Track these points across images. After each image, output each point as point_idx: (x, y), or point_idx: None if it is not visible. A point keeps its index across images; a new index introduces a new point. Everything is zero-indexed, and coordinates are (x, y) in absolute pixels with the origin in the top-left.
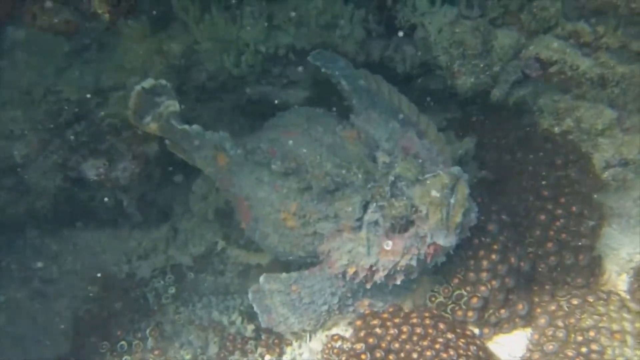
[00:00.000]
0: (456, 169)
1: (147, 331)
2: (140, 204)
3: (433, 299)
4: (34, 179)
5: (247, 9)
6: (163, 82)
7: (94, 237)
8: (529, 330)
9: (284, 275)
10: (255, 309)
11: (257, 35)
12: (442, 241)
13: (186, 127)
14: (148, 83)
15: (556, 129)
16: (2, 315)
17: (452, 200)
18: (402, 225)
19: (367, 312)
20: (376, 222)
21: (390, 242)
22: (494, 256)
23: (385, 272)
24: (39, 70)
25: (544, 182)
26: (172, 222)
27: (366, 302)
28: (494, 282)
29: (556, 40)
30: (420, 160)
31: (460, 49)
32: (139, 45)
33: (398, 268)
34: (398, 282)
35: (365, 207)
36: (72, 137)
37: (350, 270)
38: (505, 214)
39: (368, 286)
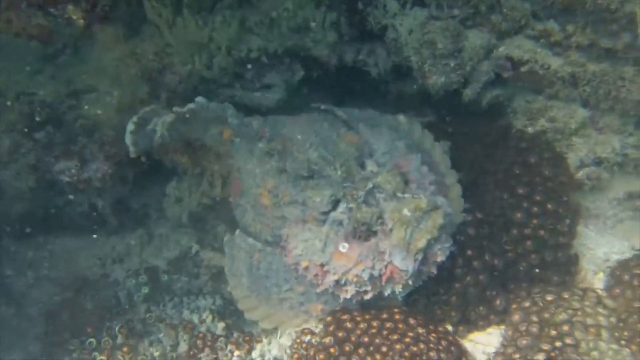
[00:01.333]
0: (441, 200)
1: (117, 329)
2: (116, 209)
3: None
4: (8, 181)
5: (219, 12)
6: (147, 109)
7: (70, 244)
8: (503, 328)
9: (252, 241)
10: (225, 252)
11: (229, 38)
12: (398, 262)
13: (190, 105)
14: (133, 122)
15: (530, 129)
16: None
17: (422, 225)
18: (364, 232)
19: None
20: (340, 222)
21: (347, 245)
22: (469, 252)
23: (336, 277)
24: (12, 73)
25: (518, 181)
26: (147, 228)
27: (319, 306)
28: (468, 278)
29: (527, 40)
30: (406, 181)
31: (430, 49)
32: (113, 49)
33: (349, 277)
34: (348, 296)
35: (335, 204)
36: (44, 139)
37: (303, 263)
38: (479, 212)
39: (318, 290)
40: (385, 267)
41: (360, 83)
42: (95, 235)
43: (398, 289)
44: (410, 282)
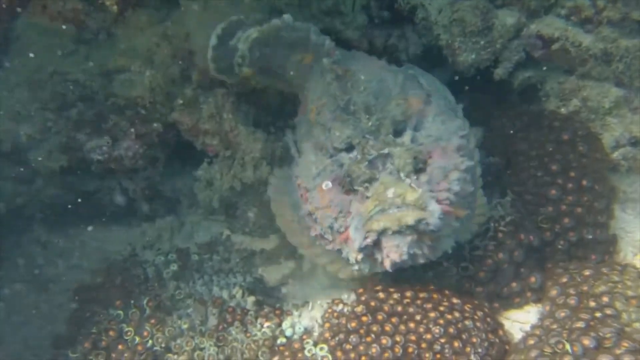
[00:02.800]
0: (434, 208)
1: (145, 302)
2: (146, 195)
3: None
4: (40, 161)
5: None
6: (233, 18)
7: (101, 233)
8: (540, 307)
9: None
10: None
11: (258, 19)
12: (351, 229)
13: (276, 21)
14: (217, 34)
15: (563, 110)
16: (5, 306)
17: (392, 211)
18: (347, 185)
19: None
20: (341, 165)
21: (330, 185)
22: (502, 229)
23: (309, 208)
24: (47, 53)
25: (551, 158)
26: (178, 215)
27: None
28: (500, 255)
29: (557, 19)
30: (421, 169)
31: (460, 26)
32: (145, 32)
33: (318, 214)
34: (312, 234)
35: (349, 147)
36: (76, 116)
37: (298, 180)
38: (512, 191)
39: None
40: (345, 228)
41: None
42: (125, 224)
43: (352, 257)
44: (359, 258)
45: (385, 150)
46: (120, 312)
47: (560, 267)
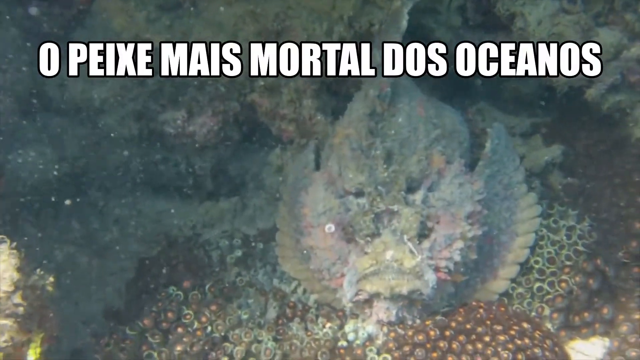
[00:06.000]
0: (429, 278)
1: (207, 286)
2: (213, 172)
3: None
4: (111, 126)
5: None
6: None
7: (160, 205)
8: (607, 340)
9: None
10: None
11: (351, 8)
12: (345, 282)
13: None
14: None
15: None
16: (56, 268)
17: (387, 277)
18: (350, 233)
19: None
20: (348, 209)
21: (332, 229)
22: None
23: (309, 243)
24: (131, 16)
25: (638, 189)
26: (242, 196)
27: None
28: (577, 278)
29: None
30: (425, 235)
31: (558, 41)
32: (233, 6)
33: (316, 252)
34: (310, 267)
35: (359, 193)
36: (154, 86)
37: (304, 209)
38: (592, 218)
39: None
40: (341, 275)
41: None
42: (187, 199)
43: (344, 301)
44: (349, 306)
45: (395, 207)
46: (181, 292)
47: (635, 302)
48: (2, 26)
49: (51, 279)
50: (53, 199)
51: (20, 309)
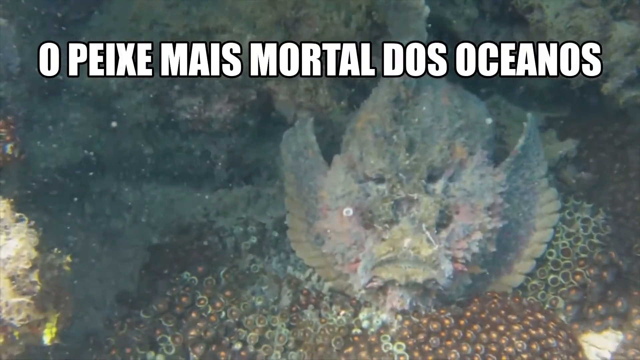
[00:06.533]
0: (445, 267)
1: (222, 273)
2: (227, 161)
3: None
4: (127, 112)
5: None
6: None
7: (174, 193)
8: (620, 333)
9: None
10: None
11: None
12: (360, 266)
13: None
14: None
15: None
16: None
17: (403, 264)
18: (368, 218)
19: None
20: (367, 194)
21: (351, 213)
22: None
23: (325, 226)
24: (148, 2)
25: None
26: (256, 185)
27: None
28: (591, 271)
29: None
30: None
31: (575, 34)
32: None
33: (332, 236)
34: (323, 250)
35: (379, 179)
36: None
37: (322, 192)
38: (607, 211)
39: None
40: (356, 260)
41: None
42: (200, 187)
43: (356, 288)
44: (362, 293)
45: (415, 196)
46: (195, 277)
47: None
48: (23, 6)
49: (68, 258)
50: (66, 185)
51: (37, 287)
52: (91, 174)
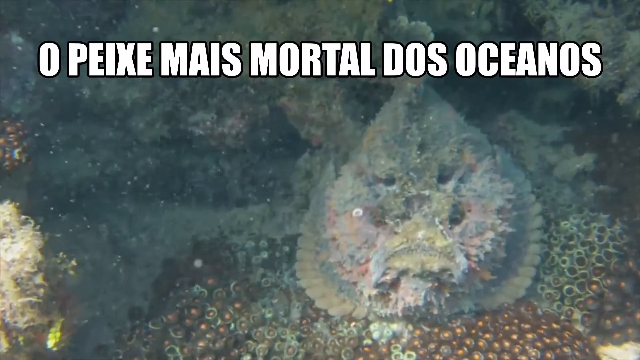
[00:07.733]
0: (460, 261)
1: (232, 285)
2: (242, 178)
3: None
4: (141, 129)
5: None
6: None
7: (189, 213)
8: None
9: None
10: None
11: (381, 12)
12: (372, 262)
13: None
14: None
15: None
16: (83, 272)
17: (418, 253)
18: (379, 216)
19: None
20: (377, 195)
21: (360, 213)
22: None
23: (334, 232)
24: (162, 20)
25: None
26: (271, 204)
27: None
28: (608, 281)
29: None
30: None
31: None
32: (264, 10)
33: (341, 240)
34: (331, 260)
35: (389, 179)
36: (185, 87)
37: (329, 201)
38: (624, 222)
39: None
40: (366, 260)
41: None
42: (215, 205)
43: (366, 292)
44: (373, 294)
45: (426, 192)
46: (205, 290)
47: None
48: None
49: (73, 262)
50: (82, 204)
51: (41, 291)
52: (107, 192)
